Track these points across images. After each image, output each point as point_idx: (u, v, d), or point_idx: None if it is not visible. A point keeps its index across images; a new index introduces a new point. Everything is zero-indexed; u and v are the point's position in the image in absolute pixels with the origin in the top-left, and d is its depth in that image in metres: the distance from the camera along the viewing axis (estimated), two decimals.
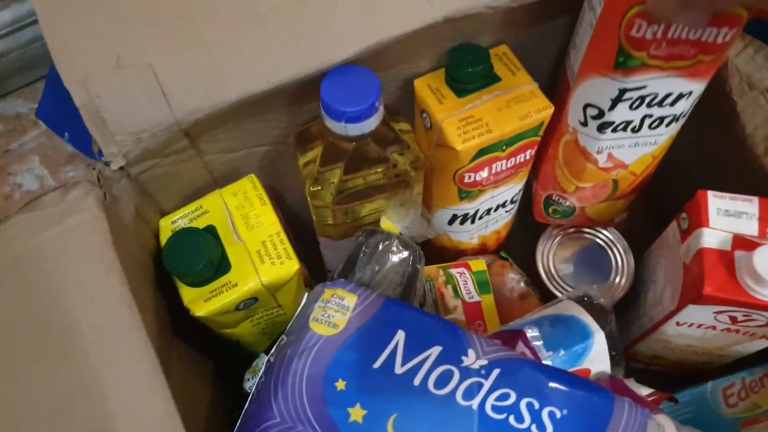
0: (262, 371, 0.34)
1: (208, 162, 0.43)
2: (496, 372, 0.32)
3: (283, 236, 0.41)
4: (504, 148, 0.45)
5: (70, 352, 0.32)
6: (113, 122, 0.36)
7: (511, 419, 0.31)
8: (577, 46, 0.46)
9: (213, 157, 0.43)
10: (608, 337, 0.44)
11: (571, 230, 0.57)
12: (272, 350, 0.34)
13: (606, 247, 0.56)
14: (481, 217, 0.53)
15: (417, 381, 0.31)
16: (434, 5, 0.41)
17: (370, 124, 0.40)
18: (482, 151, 0.44)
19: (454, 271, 0.53)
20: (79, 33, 0.38)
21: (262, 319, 0.44)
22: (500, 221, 0.57)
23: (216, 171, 0.44)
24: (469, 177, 0.47)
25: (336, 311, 0.33)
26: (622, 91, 0.44)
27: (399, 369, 0.31)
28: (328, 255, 0.52)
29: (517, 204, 0.56)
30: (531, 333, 0.43)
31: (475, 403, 0.31)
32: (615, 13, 0.40)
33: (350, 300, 0.34)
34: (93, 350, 0.31)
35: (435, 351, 0.32)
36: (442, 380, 0.31)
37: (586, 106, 0.47)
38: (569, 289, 0.55)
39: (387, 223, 0.45)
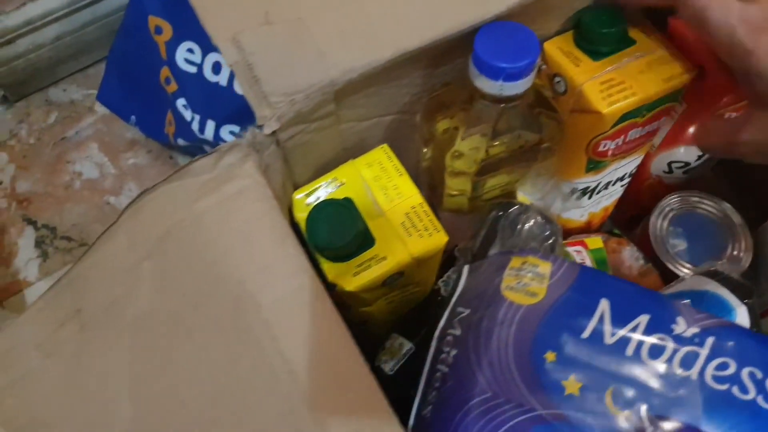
0: (446, 342, 0.31)
1: (342, 130, 0.40)
2: (710, 340, 0.29)
3: (426, 207, 0.39)
4: (644, 113, 0.43)
5: (249, 328, 0.29)
6: (267, 82, 0.33)
7: (735, 390, 0.28)
8: None
9: (347, 125, 0.40)
10: (749, 312, 0.41)
11: (684, 205, 0.55)
12: (448, 322, 0.32)
13: (721, 222, 0.54)
14: (599, 192, 0.51)
15: (629, 351, 0.29)
16: None
17: (527, 82, 0.37)
18: (625, 116, 0.42)
19: (571, 249, 0.51)
20: None
21: (396, 297, 0.41)
22: (613, 196, 0.54)
23: (346, 141, 0.41)
24: (605, 145, 0.44)
25: (531, 279, 0.30)
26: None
27: (609, 339, 0.29)
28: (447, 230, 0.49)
29: (631, 179, 0.53)
30: None
31: (694, 373, 0.28)
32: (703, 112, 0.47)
33: (545, 268, 0.31)
34: (276, 324, 0.29)
35: (643, 319, 0.29)
36: (656, 350, 0.29)
37: (671, 162, 0.53)
38: (686, 266, 0.53)
39: (522, 196, 0.42)
